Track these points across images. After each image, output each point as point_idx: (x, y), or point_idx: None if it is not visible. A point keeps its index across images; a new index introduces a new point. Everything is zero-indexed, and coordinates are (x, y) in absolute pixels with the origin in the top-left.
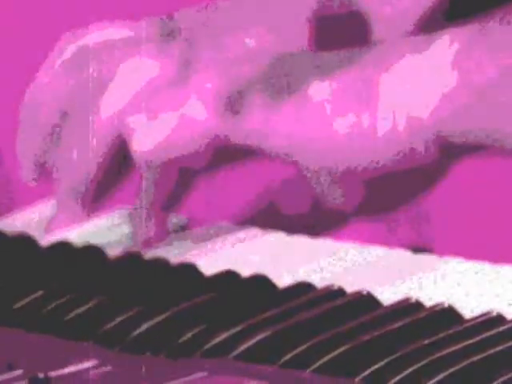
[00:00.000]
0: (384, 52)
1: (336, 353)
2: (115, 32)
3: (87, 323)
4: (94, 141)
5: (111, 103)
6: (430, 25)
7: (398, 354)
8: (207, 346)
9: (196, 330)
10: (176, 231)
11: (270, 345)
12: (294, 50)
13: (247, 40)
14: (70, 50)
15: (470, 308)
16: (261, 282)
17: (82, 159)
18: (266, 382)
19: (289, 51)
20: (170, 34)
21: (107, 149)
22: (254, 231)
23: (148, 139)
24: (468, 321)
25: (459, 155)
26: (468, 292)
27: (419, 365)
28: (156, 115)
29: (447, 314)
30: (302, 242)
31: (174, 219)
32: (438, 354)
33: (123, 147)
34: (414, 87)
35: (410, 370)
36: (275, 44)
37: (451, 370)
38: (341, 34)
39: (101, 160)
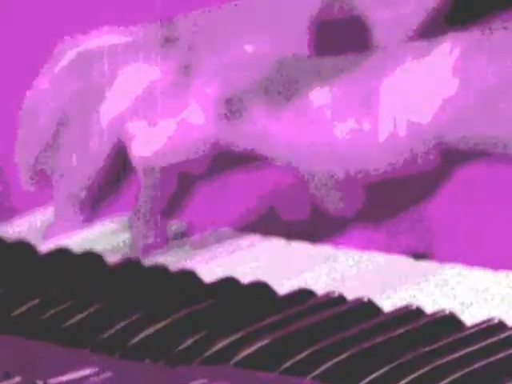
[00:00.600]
0: (385, 58)
1: (336, 360)
2: (115, 37)
3: (86, 330)
4: (94, 147)
5: (111, 109)
6: (430, 30)
7: (398, 362)
8: (207, 353)
9: (196, 337)
10: (175, 238)
11: (269, 352)
12: (294, 55)
13: (247, 46)
14: (69, 56)
15: (470, 315)
16: (261, 289)
17: (82, 165)
18: None
19: (289, 57)
20: (169, 40)
21: (106, 155)
22: (254, 237)
23: (148, 145)
24: (469, 328)
25: (460, 161)
26: (469, 299)
27: (420, 372)
28: (156, 121)
29: (448, 321)
30: (301, 248)
31: (174, 226)
32: (439, 362)
33: (123, 153)
34: (415, 93)
35: (411, 377)
36: (275, 50)
37: (452, 377)
38: (341, 40)
39: (100, 166)
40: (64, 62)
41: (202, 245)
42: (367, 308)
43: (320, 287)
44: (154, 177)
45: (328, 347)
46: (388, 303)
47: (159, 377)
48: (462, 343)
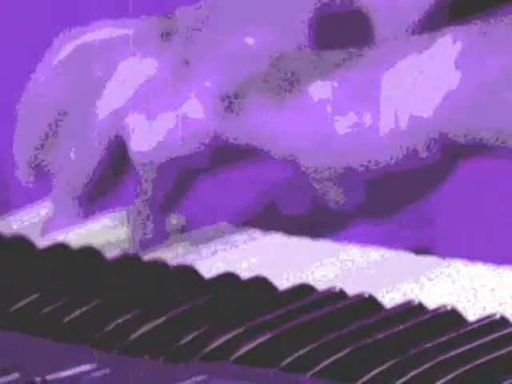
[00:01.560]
0: (386, 51)
1: (337, 356)
2: (113, 31)
3: (85, 326)
4: (92, 141)
5: (109, 102)
6: (432, 23)
7: (399, 358)
8: (207, 350)
9: (195, 333)
10: (175, 233)
11: (270, 348)
12: (294, 48)
13: (247, 39)
14: (67, 49)
15: (472, 310)
16: (261, 285)
17: (80, 159)
18: None
19: (289, 50)
20: (168, 33)
21: (105, 149)
22: (254, 233)
23: (147, 139)
24: (471, 323)
25: (462, 155)
26: (471, 294)
27: (421, 368)
28: (155, 115)
29: (450, 317)
30: (302, 243)
31: (173, 220)
32: (441, 358)
33: (122, 147)
34: (416, 86)
35: (413, 373)
36: (276, 43)
37: (454, 373)
38: (342, 33)
39: (99, 160)
40: (62, 55)
41: (202, 240)
42: (368, 303)
43: (321, 282)
44: (153, 171)
45: (329, 343)
46: (390, 298)
47: (158, 373)
48: (464, 339)
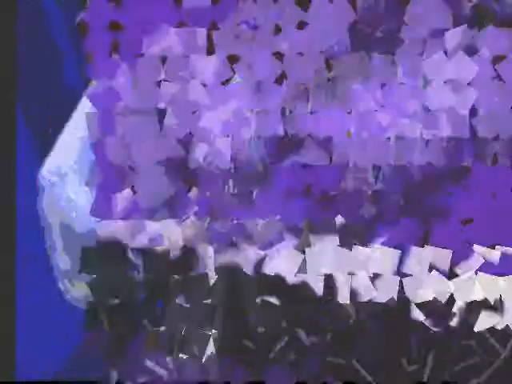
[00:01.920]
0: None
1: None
2: (179, 40)
3: None
4: (159, 146)
5: (184, 106)
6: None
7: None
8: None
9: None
10: None
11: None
12: (339, 51)
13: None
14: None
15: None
16: (303, 289)
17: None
18: None
19: (335, 52)
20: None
21: (170, 156)
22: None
23: (212, 145)
24: None
25: (477, 156)
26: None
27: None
28: (223, 121)
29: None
30: (334, 245)
31: None
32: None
33: (187, 150)
34: (454, 89)
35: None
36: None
37: None
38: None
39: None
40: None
41: None
42: (397, 308)
43: (354, 285)
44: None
45: (351, 351)
46: (420, 300)
47: None
48: None
